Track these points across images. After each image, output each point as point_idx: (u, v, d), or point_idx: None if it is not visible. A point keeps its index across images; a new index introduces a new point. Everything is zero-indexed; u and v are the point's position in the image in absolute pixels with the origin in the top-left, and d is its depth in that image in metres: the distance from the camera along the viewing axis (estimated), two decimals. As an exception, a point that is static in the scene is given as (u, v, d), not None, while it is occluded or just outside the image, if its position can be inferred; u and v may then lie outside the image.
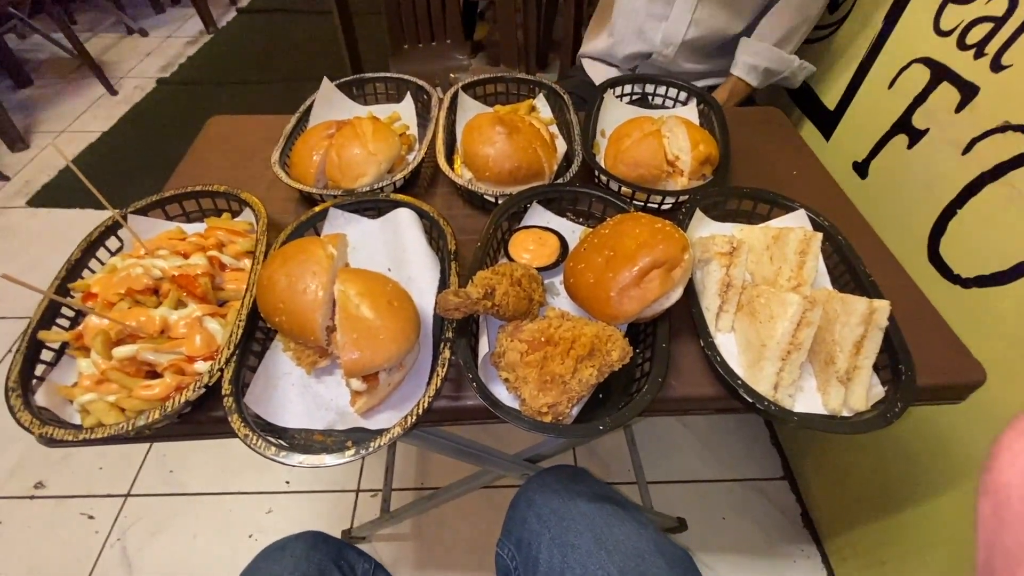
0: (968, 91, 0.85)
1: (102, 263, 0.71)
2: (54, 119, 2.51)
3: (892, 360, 0.60)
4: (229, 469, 1.38)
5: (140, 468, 1.38)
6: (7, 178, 2.18)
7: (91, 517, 1.30)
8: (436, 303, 0.59)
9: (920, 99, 0.95)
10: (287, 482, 1.36)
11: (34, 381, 0.59)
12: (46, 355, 0.62)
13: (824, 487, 1.29)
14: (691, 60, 1.21)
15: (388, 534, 1.28)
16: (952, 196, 0.87)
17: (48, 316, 0.63)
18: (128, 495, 1.33)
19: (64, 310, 0.65)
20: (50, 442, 0.55)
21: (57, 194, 2.11)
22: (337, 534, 1.26)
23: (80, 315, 0.65)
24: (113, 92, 2.66)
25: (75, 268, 0.68)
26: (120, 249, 0.74)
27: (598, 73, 1.32)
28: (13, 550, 1.25)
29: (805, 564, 1.25)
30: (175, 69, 2.85)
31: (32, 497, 1.33)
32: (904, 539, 1.02)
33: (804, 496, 1.35)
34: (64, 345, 0.63)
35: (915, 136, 0.96)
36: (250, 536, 1.28)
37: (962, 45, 0.87)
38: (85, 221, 1.99)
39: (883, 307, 0.58)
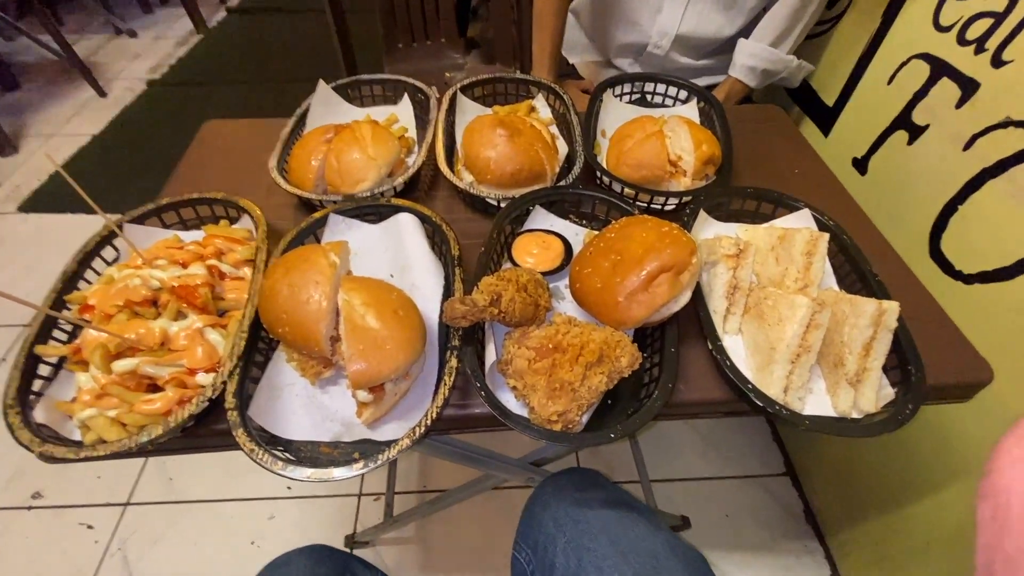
0: (969, 87, 0.85)
1: (98, 273, 0.70)
2: (43, 122, 2.47)
3: (901, 361, 0.60)
4: (230, 475, 1.37)
5: (139, 476, 1.37)
6: (-4, 184, 2.15)
7: (90, 527, 1.28)
8: (443, 311, 0.58)
9: (920, 95, 0.95)
10: (288, 487, 1.35)
11: (32, 397, 0.58)
12: (44, 370, 0.61)
13: (826, 483, 1.29)
14: (687, 55, 1.20)
15: (392, 538, 1.28)
16: (953, 192, 0.87)
17: (45, 330, 0.62)
18: (128, 504, 1.32)
19: (60, 323, 0.64)
20: (51, 460, 0.54)
21: (48, 199, 2.08)
22: (340, 539, 1.25)
23: (77, 328, 0.64)
24: (102, 94, 2.62)
25: (71, 280, 0.67)
26: (116, 259, 0.73)
27: (591, 75, 1.31)
28: (12, 562, 1.23)
29: (809, 560, 1.26)
30: (165, 70, 2.81)
31: (30, 507, 1.31)
32: (907, 535, 1.02)
33: (807, 492, 1.35)
34: (62, 359, 0.62)
35: (915, 132, 0.96)
36: (252, 543, 1.27)
37: (962, 41, 0.86)
38: (77, 226, 1.97)
39: (892, 308, 0.58)
